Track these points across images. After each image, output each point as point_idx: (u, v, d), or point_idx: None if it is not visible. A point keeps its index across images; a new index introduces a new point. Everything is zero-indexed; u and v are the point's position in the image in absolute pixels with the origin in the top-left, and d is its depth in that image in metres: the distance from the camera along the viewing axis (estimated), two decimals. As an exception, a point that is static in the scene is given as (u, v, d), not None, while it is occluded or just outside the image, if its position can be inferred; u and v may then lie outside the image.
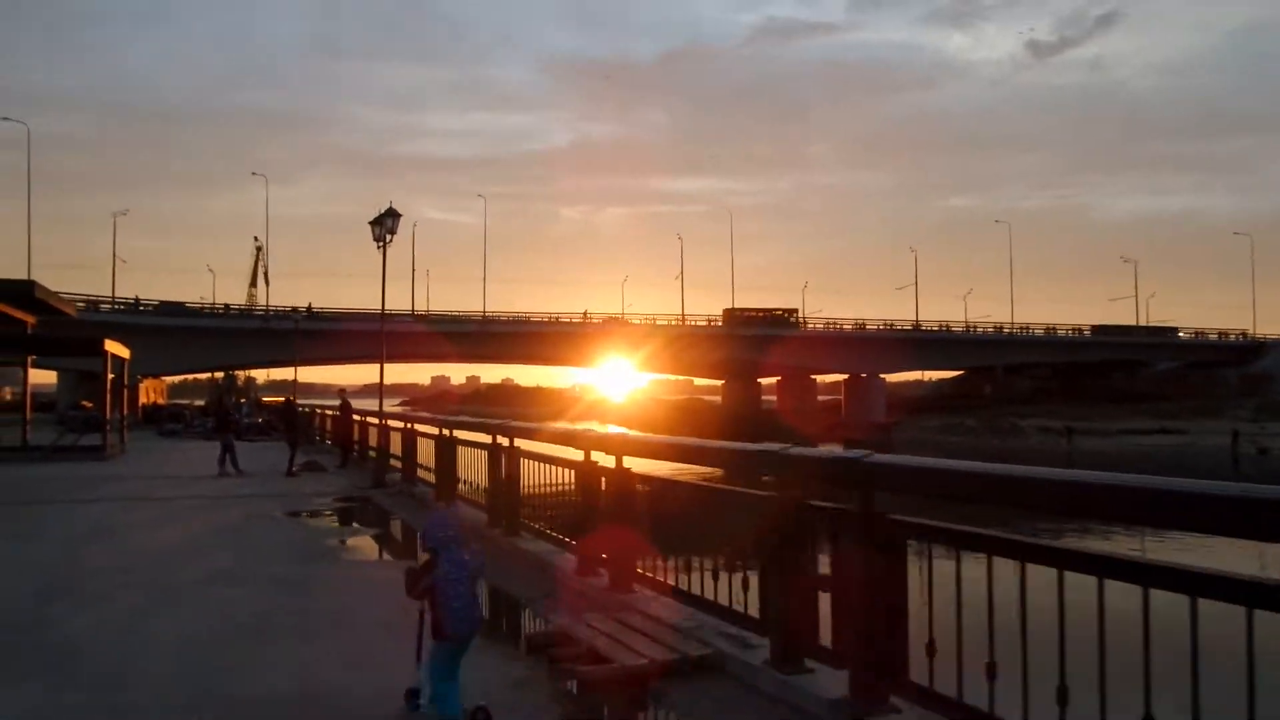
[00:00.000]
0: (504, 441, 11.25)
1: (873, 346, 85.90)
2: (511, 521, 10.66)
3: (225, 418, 23.30)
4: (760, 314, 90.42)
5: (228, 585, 8.92)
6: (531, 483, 10.41)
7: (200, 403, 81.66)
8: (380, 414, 19.16)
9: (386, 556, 11.81)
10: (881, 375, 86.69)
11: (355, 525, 14.82)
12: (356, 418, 23.70)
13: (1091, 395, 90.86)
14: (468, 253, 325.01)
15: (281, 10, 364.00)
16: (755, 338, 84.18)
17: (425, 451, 16.26)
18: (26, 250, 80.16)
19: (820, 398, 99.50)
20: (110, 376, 27.74)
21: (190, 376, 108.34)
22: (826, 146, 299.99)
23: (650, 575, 7.47)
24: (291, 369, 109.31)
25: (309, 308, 70.50)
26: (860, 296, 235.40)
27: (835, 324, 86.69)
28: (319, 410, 37.81)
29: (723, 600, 6.37)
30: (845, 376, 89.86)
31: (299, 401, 60.71)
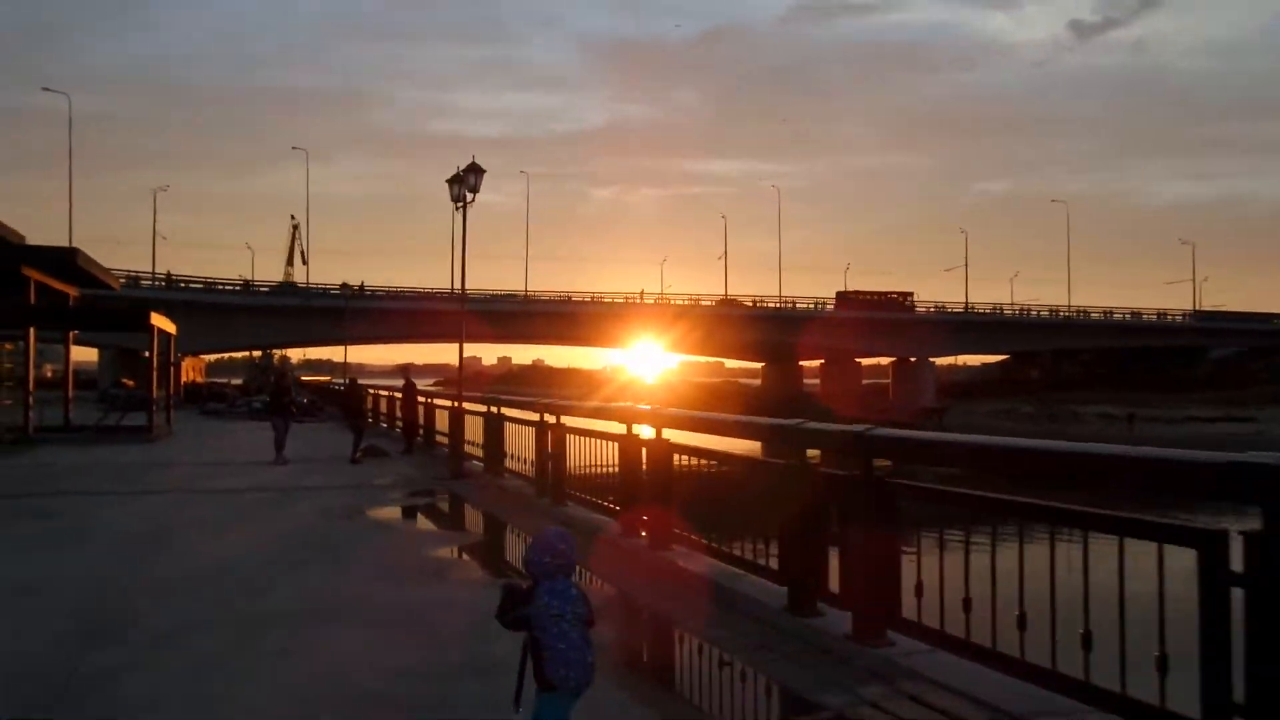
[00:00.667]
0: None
1: (922, 329, 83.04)
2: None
3: (280, 398, 20.14)
4: (875, 296, 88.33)
5: (327, 620, 6.79)
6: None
7: (238, 381, 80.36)
8: (458, 395, 17.00)
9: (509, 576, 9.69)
10: (931, 359, 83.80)
11: (452, 527, 12.74)
12: (422, 399, 21.61)
13: (1147, 382, 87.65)
14: (500, 233, 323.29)
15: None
16: (795, 320, 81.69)
17: (515, 439, 14.21)
18: (68, 224, 79.01)
19: (865, 381, 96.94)
20: (156, 353, 25.83)
21: (227, 355, 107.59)
22: (863, 128, 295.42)
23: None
24: (329, 348, 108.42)
25: (360, 285, 68.78)
26: (900, 278, 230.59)
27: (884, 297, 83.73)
28: (369, 391, 35.97)
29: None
30: (893, 360, 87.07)
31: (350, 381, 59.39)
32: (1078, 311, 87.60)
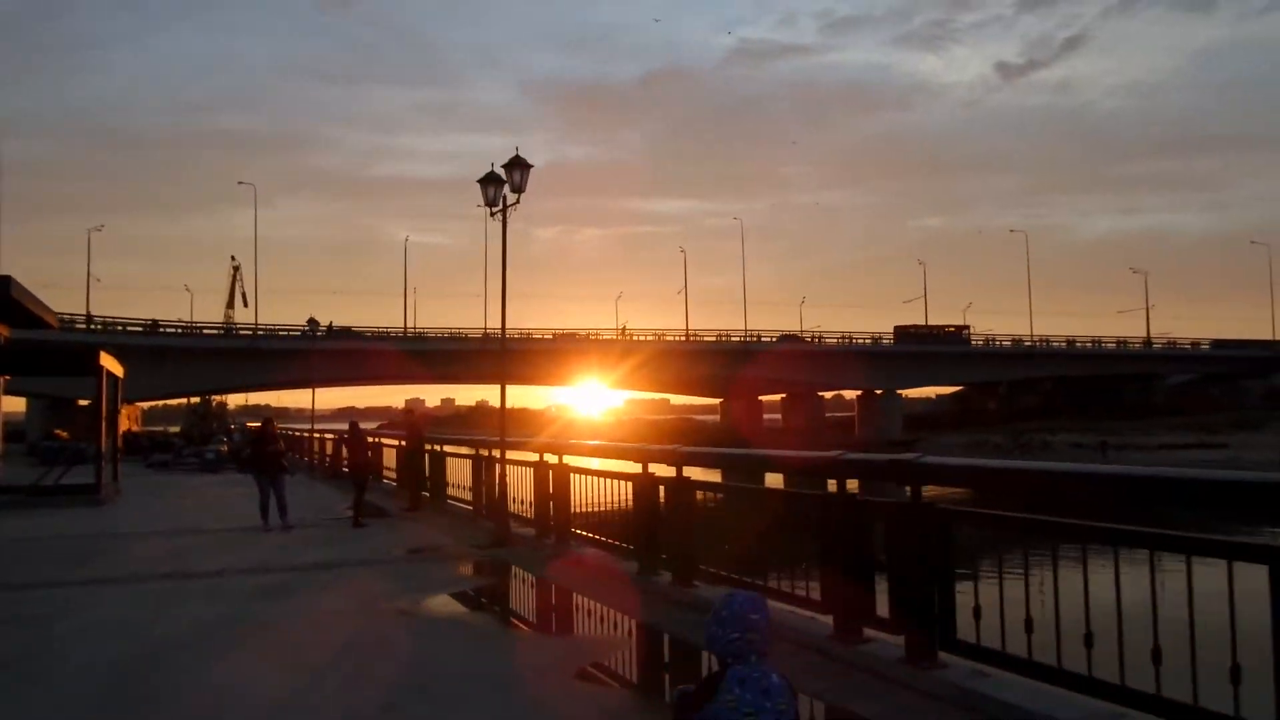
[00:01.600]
0: (551, 459, 12.05)
1: (885, 360, 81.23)
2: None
3: (263, 447, 16.17)
4: (931, 330, 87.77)
5: None
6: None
7: (175, 429, 75.47)
8: (500, 442, 13.74)
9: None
10: (899, 391, 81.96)
11: (566, 629, 9.32)
12: (436, 448, 18.29)
13: (1105, 411, 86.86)
14: (444, 274, 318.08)
15: (260, 34, 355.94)
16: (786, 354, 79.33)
17: (571, 491, 11.11)
18: (-7, 267, 73.63)
19: (829, 414, 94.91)
20: (106, 400, 22.13)
21: (162, 403, 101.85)
22: (803, 167, 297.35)
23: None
24: (268, 393, 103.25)
25: (330, 326, 64.98)
26: (854, 314, 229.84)
27: (848, 337, 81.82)
28: (321, 436, 32.42)
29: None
30: (858, 392, 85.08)
31: (290, 429, 55.02)
32: (1040, 340, 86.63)
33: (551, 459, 12.12)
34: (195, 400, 76.15)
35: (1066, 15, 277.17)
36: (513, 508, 13.30)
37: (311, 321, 34.41)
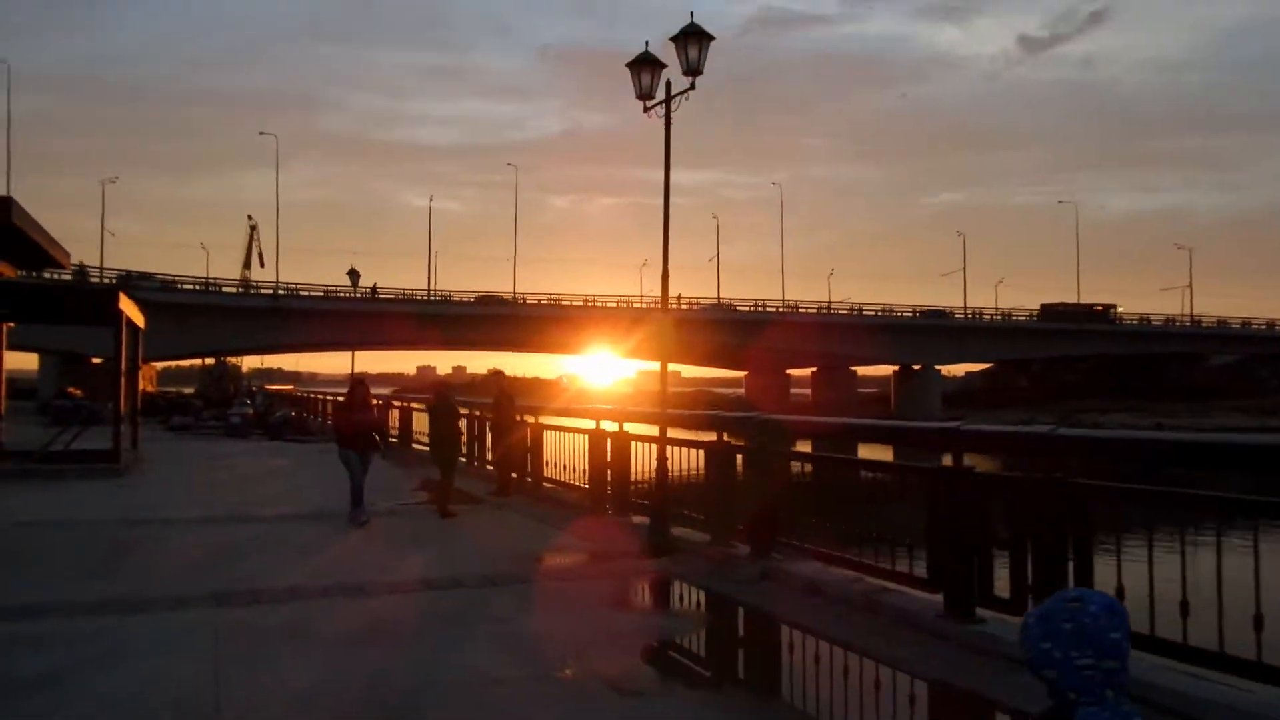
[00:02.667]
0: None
1: (921, 335, 77.65)
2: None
3: (351, 416, 12.11)
4: (1078, 309, 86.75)
5: None
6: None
7: (189, 391, 72.33)
8: (661, 415, 10.31)
9: None
10: (938, 367, 78.40)
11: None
12: (537, 419, 14.84)
13: (1146, 390, 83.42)
14: (454, 240, 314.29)
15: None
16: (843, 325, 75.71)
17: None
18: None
19: (862, 391, 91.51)
20: (126, 353, 18.78)
21: (174, 363, 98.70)
22: (821, 139, 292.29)
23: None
24: (279, 355, 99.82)
25: (374, 287, 62.09)
26: (874, 286, 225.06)
27: (889, 310, 78.12)
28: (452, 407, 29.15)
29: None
30: (895, 368, 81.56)
31: (315, 392, 51.65)
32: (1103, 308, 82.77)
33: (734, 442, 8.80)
34: (210, 361, 73.09)
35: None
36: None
37: (353, 273, 31.27)
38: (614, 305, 72.70)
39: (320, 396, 40.27)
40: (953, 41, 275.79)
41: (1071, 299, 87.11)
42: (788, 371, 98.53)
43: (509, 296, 70.67)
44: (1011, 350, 79.78)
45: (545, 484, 14.13)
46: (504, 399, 14.67)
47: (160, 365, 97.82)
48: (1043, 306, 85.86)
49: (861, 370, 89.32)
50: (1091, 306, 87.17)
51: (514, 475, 14.55)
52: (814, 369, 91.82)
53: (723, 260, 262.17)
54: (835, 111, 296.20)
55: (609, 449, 11.86)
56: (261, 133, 70.43)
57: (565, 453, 13.59)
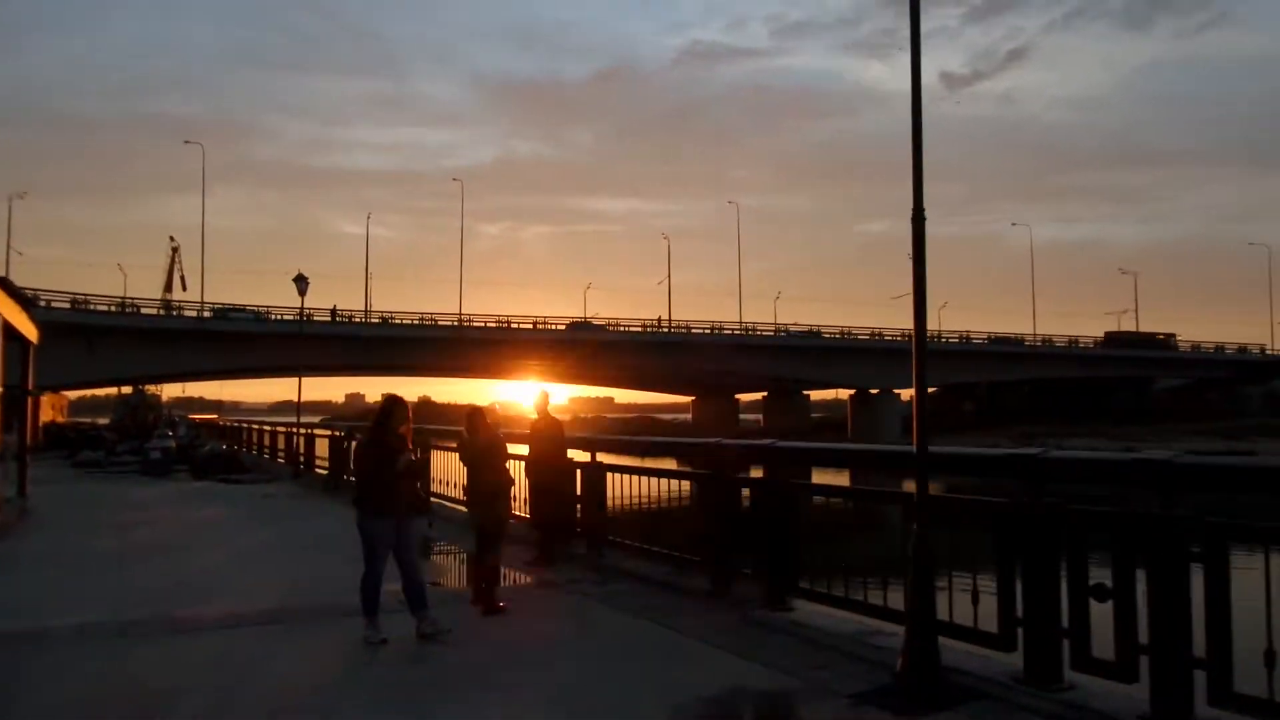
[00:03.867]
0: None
1: (876, 358, 74.58)
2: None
3: (383, 453, 6.99)
4: (1140, 336, 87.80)
5: None
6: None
7: (104, 421, 65.82)
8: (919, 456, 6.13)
9: None
10: (896, 391, 75.47)
11: None
12: (619, 460, 10.31)
13: (1093, 414, 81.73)
14: (387, 266, 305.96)
15: (201, 19, 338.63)
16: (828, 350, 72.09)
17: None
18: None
19: (815, 415, 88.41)
20: (4, 369, 13.90)
21: (89, 392, 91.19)
22: (750, 170, 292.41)
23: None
24: (202, 383, 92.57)
25: (334, 309, 57.26)
26: (818, 309, 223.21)
27: (847, 332, 75.04)
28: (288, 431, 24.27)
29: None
30: (851, 392, 78.47)
31: (243, 421, 46.06)
32: (1043, 340, 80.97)
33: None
34: (128, 390, 66.62)
35: (1011, 28, 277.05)
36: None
37: (300, 279, 26.78)
38: (562, 328, 68.18)
39: (254, 426, 35.08)
40: (879, 77, 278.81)
41: (1002, 327, 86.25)
42: (736, 396, 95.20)
43: (453, 320, 65.68)
44: (969, 373, 77.33)
45: (609, 548, 9.78)
46: (548, 427, 10.20)
47: (74, 395, 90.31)
48: (1107, 334, 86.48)
49: (816, 394, 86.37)
50: (1154, 335, 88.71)
51: (564, 536, 10.13)
52: (764, 393, 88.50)
53: (650, 287, 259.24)
54: (765, 143, 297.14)
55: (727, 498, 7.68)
56: (187, 141, 64.43)
57: (633, 501, 9.32)
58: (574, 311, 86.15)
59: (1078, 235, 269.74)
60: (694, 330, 71.28)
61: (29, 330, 16.26)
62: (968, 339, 76.87)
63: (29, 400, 16.08)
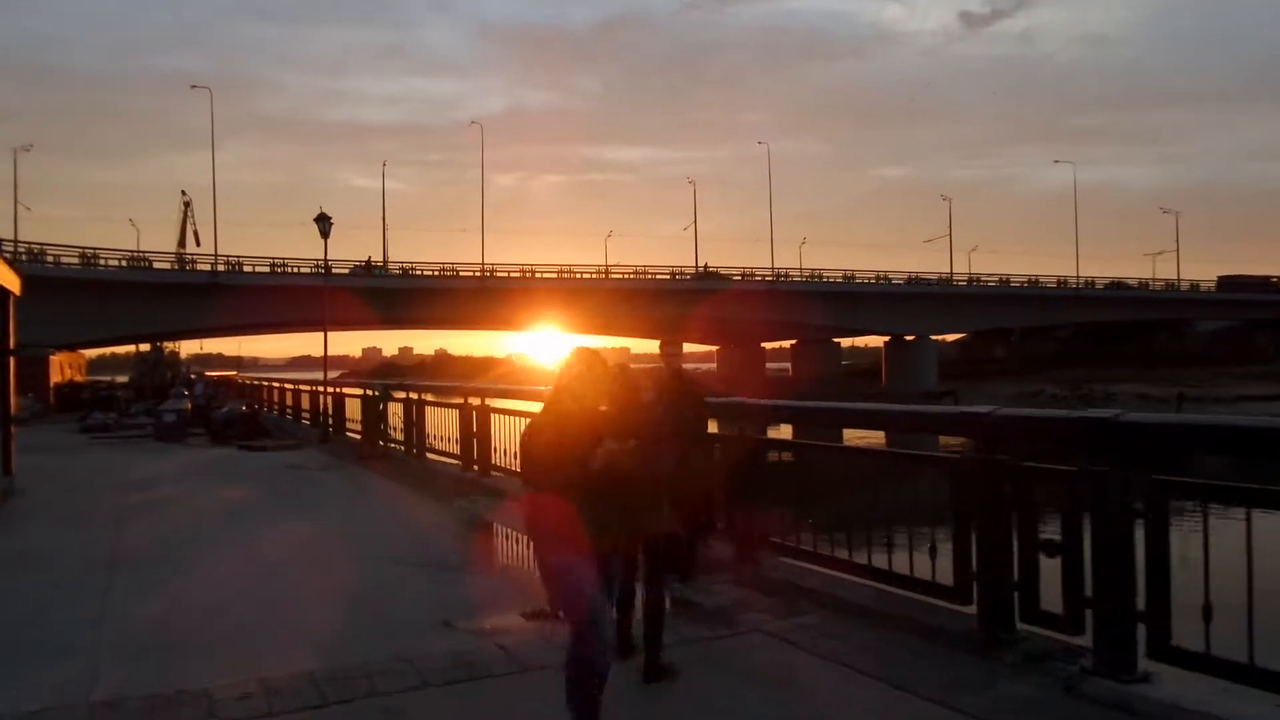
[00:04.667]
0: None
1: (914, 303, 71.54)
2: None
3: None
4: (1254, 280, 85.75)
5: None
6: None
7: (123, 379, 63.56)
8: None
9: None
10: (932, 337, 72.45)
11: None
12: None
13: (1134, 358, 78.66)
14: (397, 219, 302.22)
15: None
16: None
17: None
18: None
19: (846, 363, 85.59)
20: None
21: (110, 351, 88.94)
22: (763, 115, 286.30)
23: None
24: (221, 338, 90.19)
25: (368, 261, 54.62)
26: (845, 252, 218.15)
27: (882, 276, 71.77)
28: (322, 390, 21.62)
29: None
30: (885, 339, 75.48)
31: (259, 378, 43.59)
32: (1086, 282, 77.52)
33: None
34: (146, 347, 64.30)
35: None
36: None
37: (322, 218, 24.17)
38: (591, 276, 65.36)
39: (275, 385, 32.55)
40: (895, 17, 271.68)
41: (1024, 269, 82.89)
42: (763, 345, 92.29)
43: (476, 271, 62.84)
44: (1005, 318, 74.30)
45: (786, 558, 7.11)
46: (684, 387, 7.41)
47: (94, 353, 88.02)
48: (1220, 279, 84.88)
49: (847, 342, 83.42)
50: (1267, 278, 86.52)
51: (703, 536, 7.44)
52: (793, 341, 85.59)
53: (666, 235, 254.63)
54: (777, 87, 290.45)
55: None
56: (193, 86, 61.07)
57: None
58: (595, 260, 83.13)
59: (1094, 177, 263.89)
60: (731, 276, 68.29)
61: (12, 282, 13.60)
62: (1007, 282, 73.50)
63: (9, 361, 13.44)
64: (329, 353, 26.21)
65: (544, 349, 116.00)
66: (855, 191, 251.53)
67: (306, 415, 24.96)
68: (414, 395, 15.59)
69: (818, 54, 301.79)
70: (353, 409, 19.80)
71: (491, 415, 12.10)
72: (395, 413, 16.77)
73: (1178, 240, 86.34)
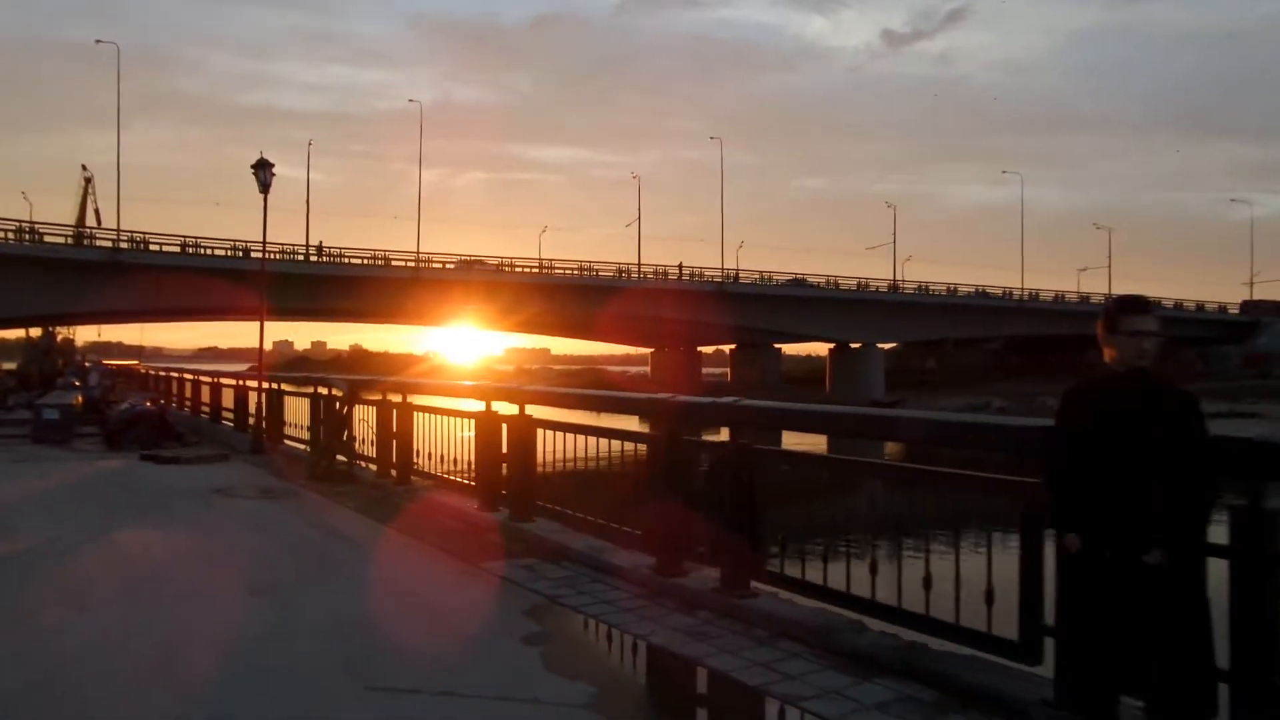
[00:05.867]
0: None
1: (858, 310, 68.76)
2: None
3: None
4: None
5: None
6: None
7: (10, 366, 56.53)
8: None
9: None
10: (880, 345, 69.81)
11: None
12: None
13: (1063, 371, 77.56)
14: (318, 209, 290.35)
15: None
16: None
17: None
18: None
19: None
20: None
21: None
22: (690, 122, 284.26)
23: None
24: (117, 325, 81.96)
25: (320, 246, 48.74)
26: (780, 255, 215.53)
27: (831, 280, 68.82)
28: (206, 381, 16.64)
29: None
30: (830, 346, 72.59)
31: (162, 368, 37.93)
32: (1030, 294, 75.87)
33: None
34: (36, 333, 57.20)
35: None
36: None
37: (262, 163, 19.66)
38: (533, 269, 60.73)
39: (187, 377, 27.19)
40: (820, 32, 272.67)
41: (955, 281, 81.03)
42: (699, 349, 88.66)
43: (409, 261, 57.52)
44: (952, 328, 72.19)
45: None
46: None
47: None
48: (1244, 303, 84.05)
49: (789, 348, 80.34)
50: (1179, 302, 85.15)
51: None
52: (732, 346, 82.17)
53: (592, 236, 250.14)
54: (704, 96, 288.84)
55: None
56: (99, 41, 54.46)
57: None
58: (540, 249, 78.29)
59: (1005, 196, 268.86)
60: (683, 276, 64.47)
61: None
62: (954, 290, 71.34)
63: None
64: (235, 345, 21.19)
65: (459, 347, 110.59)
66: (777, 200, 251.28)
67: (229, 416, 20.02)
68: (400, 397, 11.07)
69: (746, 65, 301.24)
70: (296, 411, 15.11)
71: (544, 431, 7.80)
72: (364, 419, 12.24)
73: (1109, 255, 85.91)
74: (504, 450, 8.44)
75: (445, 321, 70.75)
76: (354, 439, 12.45)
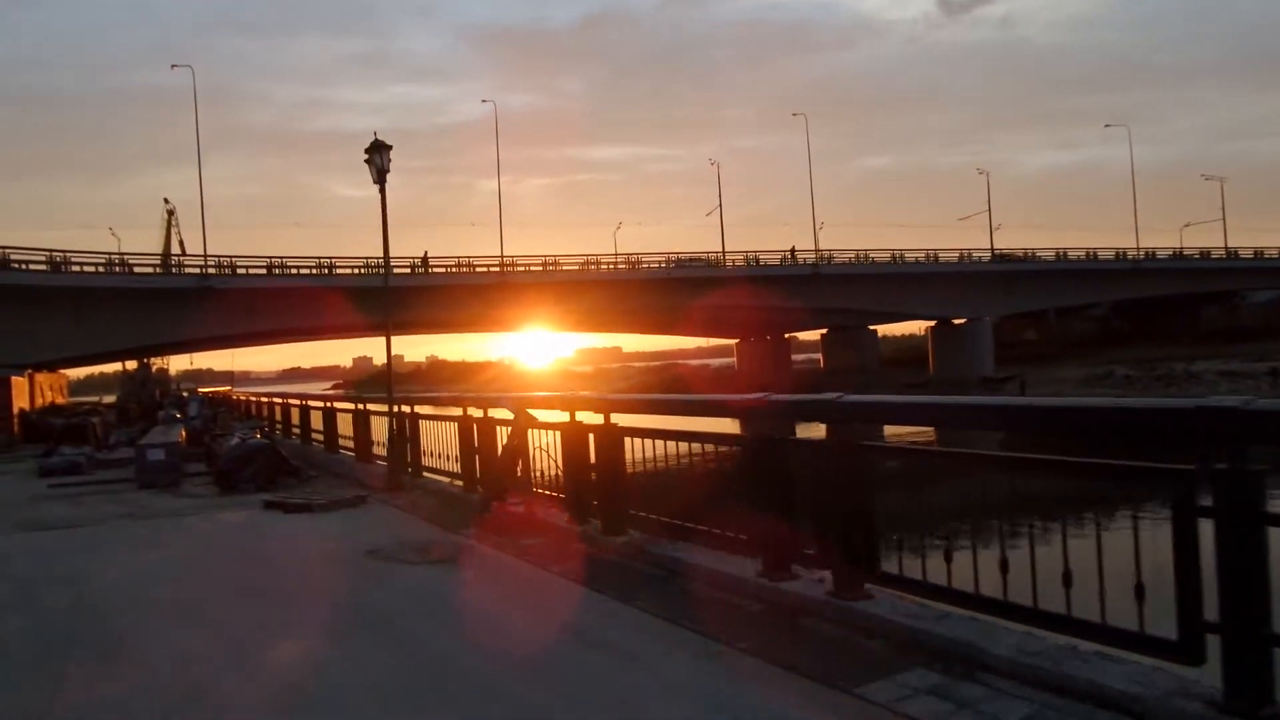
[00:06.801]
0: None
1: (960, 283, 64.58)
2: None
3: None
4: None
5: None
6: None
7: (110, 400, 55.56)
8: None
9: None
10: (988, 319, 65.54)
11: None
12: None
13: (1182, 335, 72.24)
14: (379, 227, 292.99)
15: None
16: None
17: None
18: None
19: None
20: None
21: (96, 370, 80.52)
22: (746, 110, 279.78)
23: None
24: (212, 352, 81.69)
25: (424, 256, 47.73)
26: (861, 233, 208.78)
27: (933, 254, 64.76)
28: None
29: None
30: (931, 323, 68.57)
31: (257, 394, 36.09)
32: (1146, 253, 70.67)
33: None
34: (132, 365, 56.38)
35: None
36: None
37: (378, 143, 17.67)
38: (621, 266, 58.12)
39: (292, 402, 25.03)
40: (877, 5, 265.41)
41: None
42: (787, 336, 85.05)
43: (491, 266, 55.32)
44: (1061, 296, 67.59)
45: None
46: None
47: (80, 373, 79.39)
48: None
49: (884, 328, 76.42)
50: None
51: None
52: (823, 330, 78.49)
53: (653, 233, 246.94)
54: (758, 82, 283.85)
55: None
56: (174, 66, 53.24)
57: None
58: (615, 245, 75.64)
59: (1075, 159, 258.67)
60: (788, 259, 61.36)
61: None
62: (1064, 256, 66.63)
63: None
64: (318, 363, 18.74)
65: (531, 352, 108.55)
66: (844, 180, 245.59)
67: (348, 445, 17.63)
68: (602, 417, 8.28)
69: (801, 46, 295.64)
70: (439, 439, 12.51)
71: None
72: (538, 446, 9.50)
73: (1223, 208, 79.30)
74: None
75: (526, 326, 68.73)
76: (530, 472, 9.77)
